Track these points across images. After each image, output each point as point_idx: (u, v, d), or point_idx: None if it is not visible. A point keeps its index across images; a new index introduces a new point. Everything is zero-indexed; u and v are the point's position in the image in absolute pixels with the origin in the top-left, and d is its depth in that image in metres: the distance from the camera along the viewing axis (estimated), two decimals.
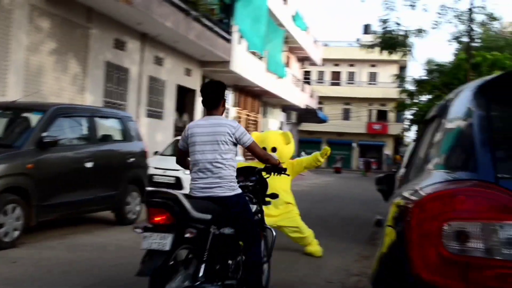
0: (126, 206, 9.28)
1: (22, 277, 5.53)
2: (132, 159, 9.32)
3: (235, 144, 4.45)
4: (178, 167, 12.59)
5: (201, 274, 4.00)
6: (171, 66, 18.96)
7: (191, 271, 4.06)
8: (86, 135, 8.47)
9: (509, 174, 1.85)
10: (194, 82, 21.09)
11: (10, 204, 6.82)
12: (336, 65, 53.69)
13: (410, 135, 54.43)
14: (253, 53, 24.61)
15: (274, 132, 7.86)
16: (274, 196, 5.33)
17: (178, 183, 13.12)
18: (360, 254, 8.14)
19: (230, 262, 4.46)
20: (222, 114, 4.63)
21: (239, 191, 4.48)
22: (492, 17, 33.28)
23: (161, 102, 18.63)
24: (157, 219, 3.85)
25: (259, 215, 5.04)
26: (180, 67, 19.77)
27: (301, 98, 36.34)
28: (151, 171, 13.16)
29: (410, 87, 28.70)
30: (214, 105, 4.55)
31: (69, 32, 13.39)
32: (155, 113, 18.23)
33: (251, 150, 4.60)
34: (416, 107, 36.11)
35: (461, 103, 2.47)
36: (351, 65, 53.88)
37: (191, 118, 21.51)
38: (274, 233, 5.26)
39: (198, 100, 21.98)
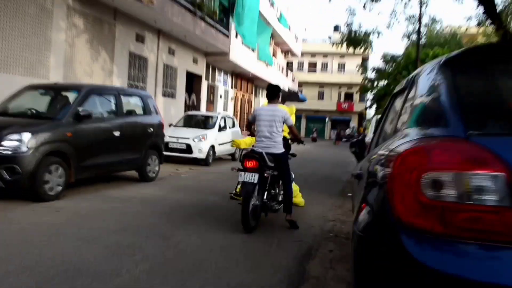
0: (147, 166, 9.11)
1: (65, 223, 5.39)
2: (151, 129, 9.11)
3: (283, 123, 5.70)
4: (189, 135, 12.53)
5: (265, 197, 5.63)
6: (181, 56, 18.58)
7: (258, 195, 5.46)
8: (113, 110, 8.21)
9: (477, 131, 1.71)
10: (200, 68, 20.74)
11: (53, 165, 6.64)
12: (313, 56, 53.28)
13: (371, 112, 54.73)
14: (247, 46, 24.23)
15: (282, 106, 7.77)
16: (293, 155, 6.58)
17: (188, 149, 12.95)
18: (334, 204, 8.06)
19: (272, 191, 5.98)
20: (277, 103, 6.00)
21: (283, 150, 5.80)
22: (434, 20, 33.03)
23: (174, 84, 18.31)
24: (249, 164, 5.37)
25: None
26: (188, 56, 19.38)
27: (285, 82, 36.00)
28: (167, 139, 13.07)
29: (371, 75, 28.49)
30: (273, 97, 5.91)
31: (98, 27, 13.01)
32: (169, 93, 17.93)
33: (290, 128, 5.95)
34: (375, 90, 36.09)
35: (428, 75, 2.36)
36: (325, 57, 53.50)
37: (197, 98, 21.22)
38: (293, 175, 6.45)
39: (204, 83, 21.85)
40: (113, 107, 8.21)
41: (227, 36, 20.40)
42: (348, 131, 44.44)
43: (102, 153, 7.72)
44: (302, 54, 45.74)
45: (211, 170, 12.40)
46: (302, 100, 45.33)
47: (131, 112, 8.83)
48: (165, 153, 12.93)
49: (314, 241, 5.37)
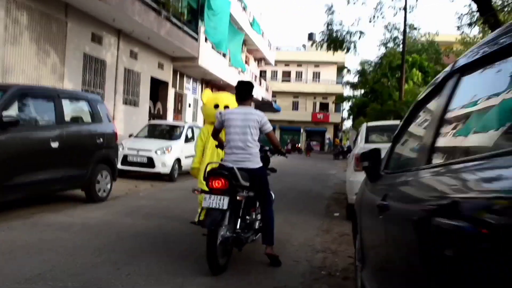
0: (96, 184, 7.75)
1: None
2: (100, 140, 7.77)
3: (259, 129, 4.68)
4: (151, 148, 11.11)
5: (238, 226, 4.43)
6: (145, 60, 17.27)
7: (229, 223, 4.34)
8: (51, 116, 6.86)
9: None
10: (166, 74, 19.45)
11: None
12: (287, 65, 52.56)
13: (348, 123, 54.29)
14: (218, 52, 23.11)
15: (227, 93, 6.77)
16: (273, 170, 5.46)
17: (150, 162, 11.62)
18: (320, 228, 6.89)
19: (248, 217, 4.79)
20: (250, 105, 5.00)
21: (261, 164, 4.75)
22: (412, 27, 32.76)
23: (137, 91, 16.96)
24: (216, 184, 4.25)
25: None
26: (153, 61, 18.07)
27: (259, 92, 34.99)
28: (125, 151, 11.72)
29: (351, 80, 27.55)
30: (245, 98, 4.86)
31: (46, 25, 11.61)
32: (131, 101, 16.58)
33: (269, 136, 4.85)
34: (352, 100, 35.57)
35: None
36: (299, 66, 52.90)
37: (164, 107, 19.90)
38: (273, 196, 5.16)
39: (171, 90, 20.53)
40: (51, 112, 6.85)
41: (196, 40, 19.22)
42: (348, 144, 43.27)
43: (34, 169, 6.36)
44: (276, 62, 44.96)
45: (175, 186, 11.08)
46: (277, 110, 44.66)
47: (74, 119, 7.49)
48: (123, 167, 11.66)
49: (303, 284, 4.16)
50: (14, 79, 10.30)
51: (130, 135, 13.13)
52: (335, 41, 15.04)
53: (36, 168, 6.39)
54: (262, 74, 45.90)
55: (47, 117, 6.84)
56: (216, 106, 6.10)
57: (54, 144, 6.65)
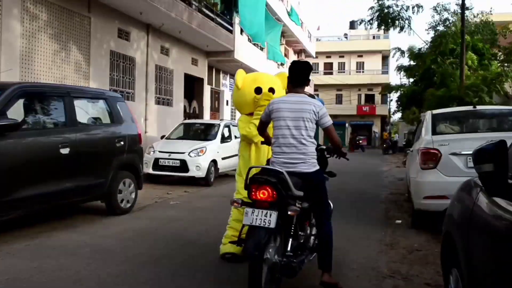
0: (118, 194, 6.86)
1: None
2: (121, 143, 6.87)
3: (316, 123, 3.75)
4: (184, 150, 10.19)
5: (289, 248, 3.45)
6: (177, 56, 16.44)
7: (277, 244, 3.44)
8: (60, 118, 6.01)
9: None
10: (201, 71, 18.58)
11: None
12: (328, 57, 50.88)
13: (396, 116, 52.13)
14: (255, 44, 22.09)
15: (267, 73, 5.43)
16: (332, 174, 4.43)
17: (183, 166, 10.71)
18: (383, 242, 5.69)
19: (301, 233, 3.87)
20: (304, 93, 3.90)
21: (318, 167, 3.81)
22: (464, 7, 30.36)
23: (170, 89, 16.16)
24: (261, 195, 3.33)
25: None
26: (186, 57, 17.23)
27: None
28: (156, 154, 10.89)
29: (405, 63, 25.51)
30: (302, 83, 3.88)
31: (67, 20, 10.92)
32: (164, 100, 15.79)
33: (328, 132, 3.83)
34: (402, 89, 33.73)
35: None
36: (341, 57, 51.09)
37: (200, 105, 19.06)
38: (331, 206, 4.13)
39: (207, 87, 19.63)
40: (60, 114, 6.00)
41: (231, 32, 18.25)
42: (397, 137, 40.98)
43: (40, 180, 5.51)
44: (317, 54, 43.44)
45: (212, 192, 10.12)
46: None
47: (89, 121, 6.62)
48: (155, 172, 10.87)
49: None
50: (33, 79, 9.64)
51: (162, 137, 12.31)
52: (386, 18, 13.41)
53: (42, 179, 5.53)
54: None
55: (56, 119, 5.99)
56: (259, 90, 4.71)
57: (64, 150, 5.78)
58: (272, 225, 3.18)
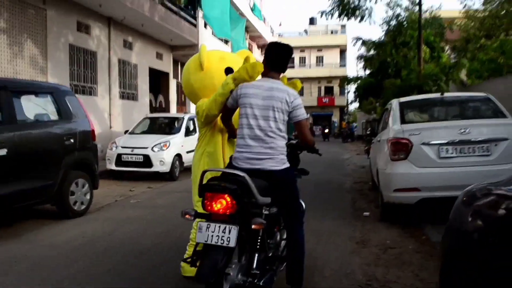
0: (70, 196, 5.91)
1: None
2: (71, 141, 5.90)
3: (288, 115, 2.97)
4: (147, 144, 9.09)
5: (255, 265, 2.65)
6: (141, 50, 15.35)
7: (242, 261, 2.66)
8: None
9: None
10: (166, 65, 17.54)
11: None
12: None
13: (353, 106, 52.02)
14: (219, 39, 21.12)
15: (231, 53, 4.38)
16: (305, 172, 3.61)
17: (147, 161, 9.76)
18: (353, 239, 4.97)
19: (269, 241, 3.01)
20: (279, 80, 3.10)
21: (288, 165, 2.99)
22: (414, 3, 30.22)
23: (135, 84, 15.08)
24: (217, 206, 2.45)
25: None
26: (150, 51, 16.15)
27: None
28: (119, 150, 9.90)
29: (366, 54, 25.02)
30: (279, 67, 3.08)
31: (20, 13, 9.72)
32: (129, 95, 14.71)
33: (300, 127, 3.04)
34: (358, 81, 33.44)
35: None
36: (302, 51, 50.42)
37: (166, 99, 18.01)
38: (303, 206, 3.42)
39: (172, 82, 18.53)
40: None
41: (195, 26, 17.26)
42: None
43: None
44: None
45: (176, 187, 9.22)
46: None
47: (33, 118, 5.61)
48: (118, 168, 9.88)
49: None
50: None
51: (126, 132, 11.31)
52: (347, 8, 12.70)
53: None
54: None
55: None
56: (229, 71, 3.46)
57: (0, 152, 4.80)
58: (232, 244, 2.37)
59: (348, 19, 12.95)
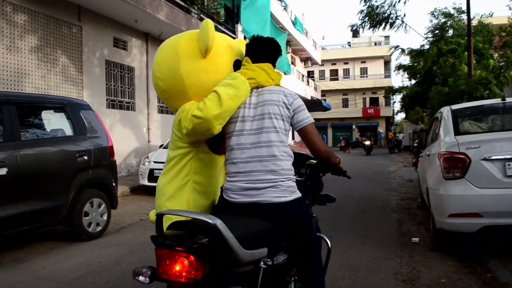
0: (84, 217, 5.28)
1: None
2: (84, 158, 5.28)
3: (289, 121, 2.14)
4: None
5: None
6: None
7: None
8: None
9: None
10: None
11: None
12: (334, 64, 48.89)
13: (399, 117, 49.81)
14: None
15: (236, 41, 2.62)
16: (330, 199, 2.71)
17: None
18: (399, 275, 3.94)
19: None
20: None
21: (299, 194, 2.12)
22: (460, 11, 28.44)
23: None
24: (177, 269, 1.64)
25: None
26: None
27: (307, 91, 32.02)
28: (151, 165, 9.33)
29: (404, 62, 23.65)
30: (266, 61, 2.24)
31: (55, 29, 9.44)
32: (167, 109, 14.23)
33: (307, 135, 2.14)
34: (404, 90, 31.76)
35: None
36: (346, 63, 49.07)
37: None
38: (329, 245, 2.61)
39: None
40: None
41: None
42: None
43: None
44: (323, 62, 41.77)
45: None
46: (327, 109, 41.27)
47: (40, 134, 5.03)
48: (150, 184, 9.27)
49: None
50: (18, 90, 8.17)
51: (161, 146, 10.76)
52: (377, 18, 11.70)
53: None
54: (310, 74, 42.77)
55: None
56: (238, 64, 2.39)
57: (1, 171, 4.23)
58: None
59: (378, 27, 11.89)
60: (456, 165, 4.09)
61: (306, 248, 2.15)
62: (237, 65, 2.39)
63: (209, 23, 2.28)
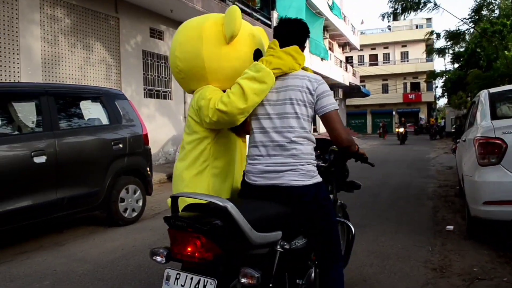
0: (120, 203, 5.46)
1: None
2: (119, 146, 5.44)
3: (313, 107, 2.12)
4: None
5: None
6: None
7: None
8: (32, 122, 4.70)
9: None
10: None
11: None
12: (373, 49, 47.68)
13: (442, 102, 48.07)
14: None
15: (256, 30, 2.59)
16: (355, 185, 2.78)
17: None
18: (430, 263, 3.83)
19: (299, 282, 2.14)
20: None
21: (319, 179, 2.13)
22: None
23: None
24: (189, 249, 1.71)
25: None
26: None
27: (346, 77, 31.44)
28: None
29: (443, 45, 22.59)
30: (289, 44, 2.20)
31: (93, 22, 9.71)
32: None
33: (329, 122, 2.09)
34: (446, 75, 30.53)
35: None
36: (386, 48, 47.70)
37: None
38: (353, 231, 2.69)
39: None
40: (32, 117, 4.66)
41: (270, 26, 16.52)
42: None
43: (9, 194, 4.18)
44: (362, 47, 40.86)
45: None
46: (366, 95, 40.38)
47: (77, 123, 5.23)
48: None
49: None
50: (58, 81, 8.51)
51: None
52: (409, 2, 11.21)
53: (10, 193, 4.20)
54: (348, 59, 41.92)
55: (27, 124, 4.66)
56: (258, 55, 2.40)
57: (39, 159, 4.43)
58: None
59: (411, 11, 11.39)
60: (492, 151, 3.91)
61: (324, 233, 2.15)
62: (257, 55, 2.39)
63: (237, 10, 2.28)
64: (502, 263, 3.74)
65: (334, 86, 31.64)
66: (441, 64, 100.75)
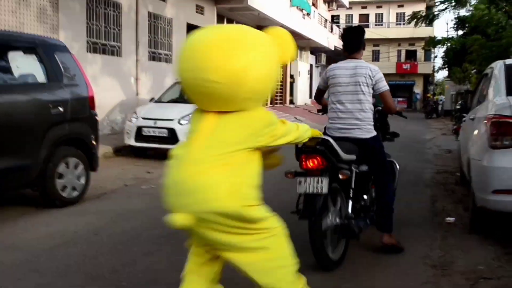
0: (57, 180, 5.32)
1: None
2: (59, 109, 5.27)
3: (372, 87, 4.02)
4: (173, 116, 8.33)
5: (350, 210, 3.81)
6: (177, 2, 14.66)
7: (338, 207, 3.78)
8: None
9: None
10: (208, 20, 16.71)
11: None
12: (364, 7, 47.99)
13: (440, 75, 49.14)
14: None
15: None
16: (395, 134, 4.83)
17: (172, 136, 9.08)
18: (429, 259, 3.95)
19: (365, 197, 4.25)
20: (360, 59, 4.17)
21: (375, 133, 4.09)
22: None
23: (168, 43, 14.49)
24: (310, 164, 3.53)
25: None
26: (189, 3, 15.45)
27: (331, 40, 31.56)
28: (139, 122, 9.35)
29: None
30: (355, 49, 4.15)
31: None
32: (160, 56, 14.15)
33: (383, 98, 4.16)
34: (448, 42, 31.06)
35: None
36: (379, 7, 48.09)
37: None
38: (397, 167, 4.58)
39: None
40: None
41: None
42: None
43: None
44: (351, 5, 40.96)
45: None
46: None
47: (3, 80, 5.01)
48: (138, 144, 9.39)
49: None
50: None
51: (151, 100, 10.75)
52: None
53: None
54: (334, 18, 42.05)
55: None
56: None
57: None
58: (325, 190, 3.43)
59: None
60: (506, 131, 4.04)
61: (381, 164, 4.05)
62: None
63: (289, 34, 2.51)
64: (510, 260, 3.91)
65: (316, 50, 31.75)
66: (442, 30, 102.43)
